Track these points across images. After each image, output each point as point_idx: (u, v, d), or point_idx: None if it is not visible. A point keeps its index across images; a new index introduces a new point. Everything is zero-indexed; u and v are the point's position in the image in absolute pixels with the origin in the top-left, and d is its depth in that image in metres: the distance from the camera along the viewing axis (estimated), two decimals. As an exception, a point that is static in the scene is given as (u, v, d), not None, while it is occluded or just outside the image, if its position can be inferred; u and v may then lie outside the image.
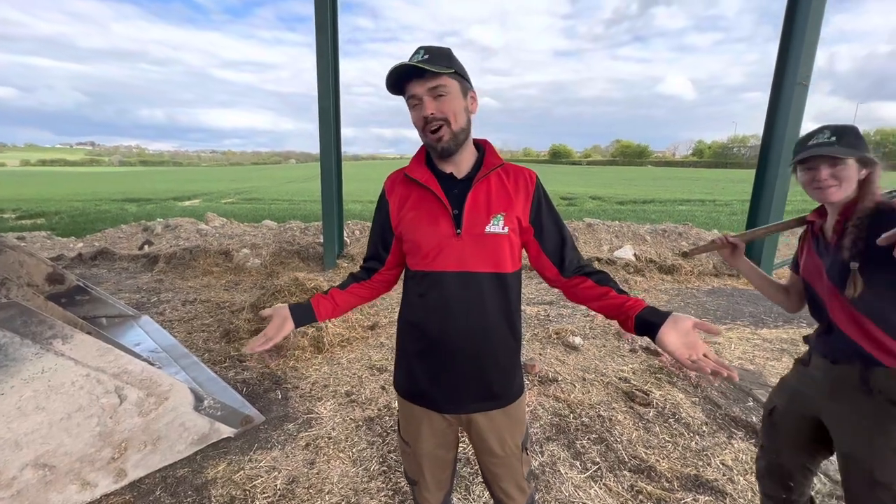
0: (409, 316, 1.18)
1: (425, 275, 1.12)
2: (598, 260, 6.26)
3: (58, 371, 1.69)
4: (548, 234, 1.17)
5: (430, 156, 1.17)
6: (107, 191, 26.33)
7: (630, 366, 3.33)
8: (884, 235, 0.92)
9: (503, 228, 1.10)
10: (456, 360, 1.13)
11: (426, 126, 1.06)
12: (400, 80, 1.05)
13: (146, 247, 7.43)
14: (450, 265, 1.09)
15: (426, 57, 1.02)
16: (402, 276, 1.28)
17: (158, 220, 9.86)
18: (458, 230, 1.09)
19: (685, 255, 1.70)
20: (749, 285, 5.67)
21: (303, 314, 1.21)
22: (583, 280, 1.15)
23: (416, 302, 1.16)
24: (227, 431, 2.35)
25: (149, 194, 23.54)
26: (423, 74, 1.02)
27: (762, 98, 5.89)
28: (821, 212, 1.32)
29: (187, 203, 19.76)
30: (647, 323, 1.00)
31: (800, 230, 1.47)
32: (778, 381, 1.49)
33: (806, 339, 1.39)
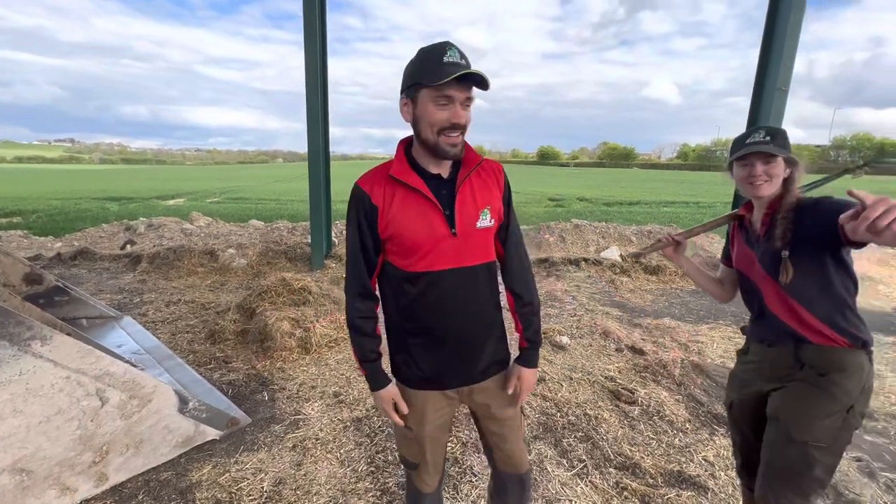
0: (406, 314, 1.21)
1: (422, 275, 1.15)
2: (586, 260, 6.34)
3: (36, 373, 1.65)
4: (512, 229, 1.27)
5: (410, 157, 1.16)
6: (87, 189, 25.69)
7: (616, 365, 3.38)
8: (842, 216, 1.01)
9: (490, 221, 1.19)
10: (460, 344, 1.22)
11: (448, 129, 1.05)
12: (448, 77, 0.99)
13: (128, 246, 7.27)
14: (448, 263, 1.15)
15: (468, 62, 1.04)
16: (382, 277, 1.24)
17: (141, 219, 9.66)
18: (454, 230, 1.13)
19: (635, 255, 1.79)
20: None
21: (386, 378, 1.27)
22: (509, 293, 1.31)
23: (413, 301, 1.18)
24: (212, 433, 2.31)
25: (131, 193, 23.03)
26: (467, 79, 1.02)
27: (744, 103, 6.04)
28: (748, 207, 1.42)
29: (171, 202, 19.38)
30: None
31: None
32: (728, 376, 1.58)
33: (743, 329, 1.51)
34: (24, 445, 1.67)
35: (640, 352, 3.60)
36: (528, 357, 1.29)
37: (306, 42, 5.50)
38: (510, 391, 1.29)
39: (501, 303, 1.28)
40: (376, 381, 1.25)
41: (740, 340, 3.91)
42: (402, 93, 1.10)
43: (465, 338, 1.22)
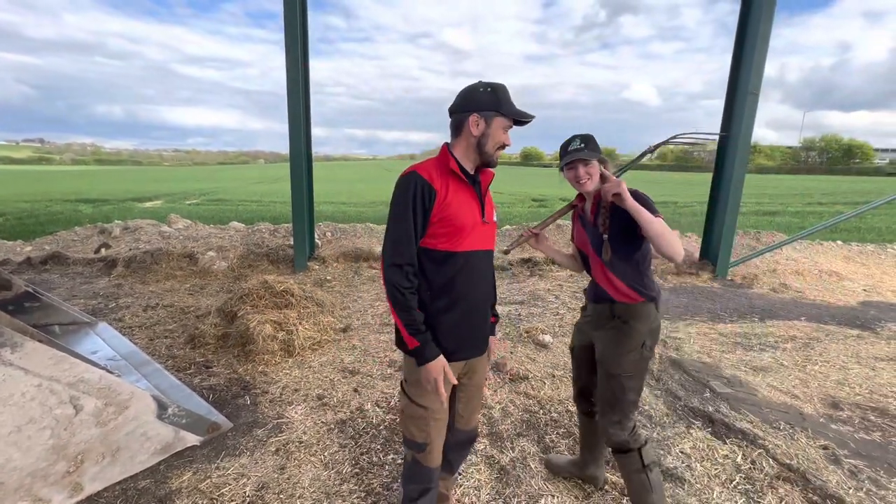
0: (441, 292, 1.40)
1: (463, 254, 1.40)
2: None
3: (6, 381, 1.60)
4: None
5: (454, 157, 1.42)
6: (58, 191, 24.76)
7: (597, 362, 3.45)
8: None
9: (496, 218, 1.54)
10: (480, 317, 1.51)
11: (501, 148, 1.41)
12: (521, 117, 1.40)
13: (103, 250, 7.05)
14: (480, 245, 1.45)
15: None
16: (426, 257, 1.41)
17: (116, 221, 9.38)
18: (484, 218, 1.45)
19: (505, 252, 2.05)
20: (702, 282, 5.97)
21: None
22: None
23: (451, 279, 1.39)
24: (192, 440, 2.28)
25: (105, 195, 22.30)
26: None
27: (720, 105, 6.22)
28: (581, 197, 1.80)
29: (148, 204, 18.84)
30: None
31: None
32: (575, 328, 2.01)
33: (584, 291, 1.92)
34: None
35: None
36: (493, 329, 1.65)
37: (287, 42, 5.44)
38: (493, 359, 1.60)
39: None
40: (430, 351, 1.36)
41: (716, 336, 4.05)
42: (473, 112, 1.37)
43: (483, 312, 1.51)
